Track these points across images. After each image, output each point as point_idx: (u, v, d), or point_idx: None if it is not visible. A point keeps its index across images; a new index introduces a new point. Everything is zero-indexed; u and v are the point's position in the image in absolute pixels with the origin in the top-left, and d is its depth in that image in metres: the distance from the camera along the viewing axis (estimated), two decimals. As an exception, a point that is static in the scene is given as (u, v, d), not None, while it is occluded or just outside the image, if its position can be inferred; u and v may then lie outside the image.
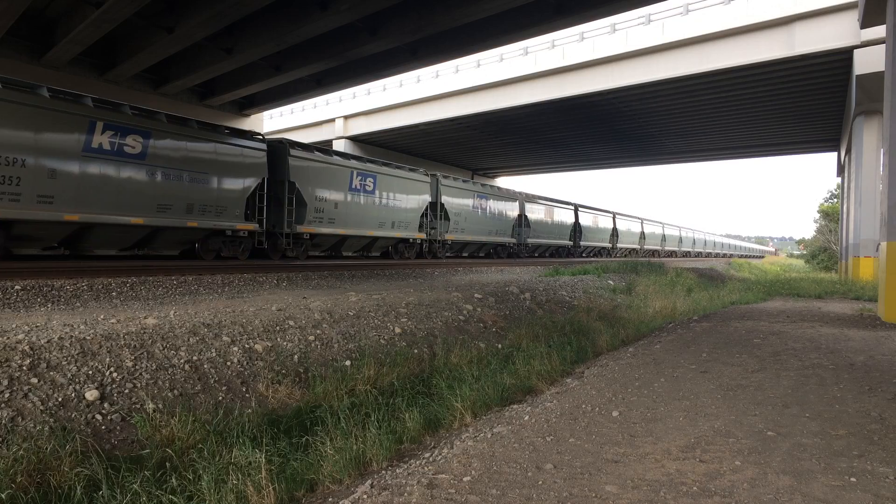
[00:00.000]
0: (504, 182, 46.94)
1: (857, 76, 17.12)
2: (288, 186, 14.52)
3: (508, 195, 25.92)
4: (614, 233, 37.29)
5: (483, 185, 24.67)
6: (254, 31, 16.16)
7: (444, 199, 20.86)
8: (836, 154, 33.84)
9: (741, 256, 76.36)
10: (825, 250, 45.32)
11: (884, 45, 11.59)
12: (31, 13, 15.18)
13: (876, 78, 15.27)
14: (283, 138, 15.36)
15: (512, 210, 25.66)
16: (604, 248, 35.78)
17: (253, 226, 13.78)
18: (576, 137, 33.58)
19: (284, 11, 15.01)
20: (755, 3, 19.50)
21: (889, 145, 9.11)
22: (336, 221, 15.96)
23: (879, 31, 14.82)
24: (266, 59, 18.07)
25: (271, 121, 35.24)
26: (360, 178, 16.93)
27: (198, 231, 12.82)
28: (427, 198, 19.91)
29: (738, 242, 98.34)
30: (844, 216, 26.65)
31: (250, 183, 13.76)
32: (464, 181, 23.37)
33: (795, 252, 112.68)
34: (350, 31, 16.03)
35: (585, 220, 33.12)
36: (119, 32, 16.37)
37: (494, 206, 24.29)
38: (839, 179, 34.55)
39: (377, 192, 17.60)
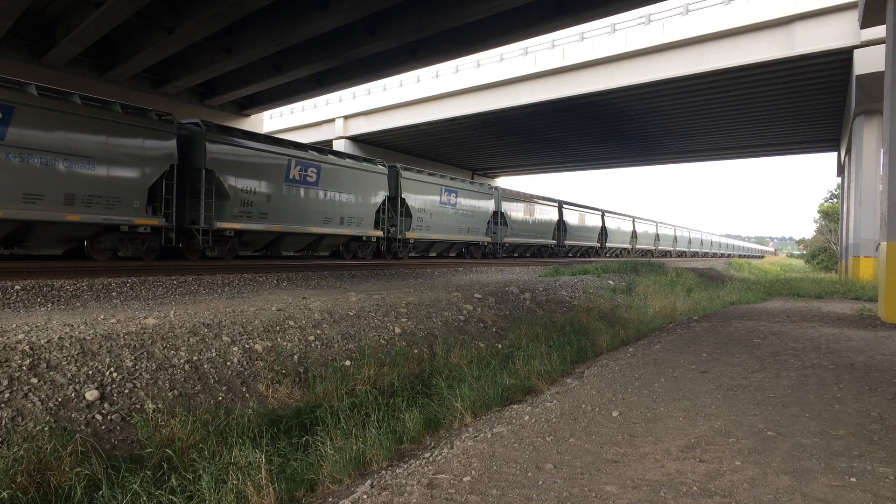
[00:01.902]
0: (504, 182, 46.94)
1: (857, 76, 17.12)
2: (205, 176, 12.64)
3: (482, 190, 24.31)
4: (603, 231, 35.81)
5: (453, 178, 22.72)
6: (254, 31, 16.16)
7: (406, 193, 19.05)
8: (836, 154, 33.84)
9: (741, 256, 76.39)
10: (825, 250, 45.32)
11: (884, 45, 11.60)
12: (31, 13, 15.18)
13: (876, 78, 15.27)
14: (202, 120, 13.41)
15: (486, 206, 24.02)
16: (591, 247, 34.38)
17: (157, 220, 11.86)
18: (576, 137, 33.58)
19: (284, 11, 15.00)
20: (755, 3, 19.50)
21: (889, 145, 9.11)
22: (269, 217, 14.17)
23: (879, 31, 14.82)
24: (266, 59, 18.07)
25: (271, 121, 35.24)
26: (299, 167, 14.98)
27: (82, 227, 10.93)
28: (384, 192, 18.09)
29: (737, 242, 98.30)
30: (844, 216, 26.65)
31: (153, 171, 11.78)
32: (430, 174, 21.34)
33: (795, 252, 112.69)
34: (350, 31, 16.02)
35: (571, 217, 31.61)
36: (119, 32, 16.37)
37: (466, 202, 22.48)
38: (839, 179, 34.55)
39: (321, 184, 15.69)
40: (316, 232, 15.64)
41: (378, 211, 17.91)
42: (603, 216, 36.10)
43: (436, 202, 20.62)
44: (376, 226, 17.92)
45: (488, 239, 24.07)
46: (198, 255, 13.25)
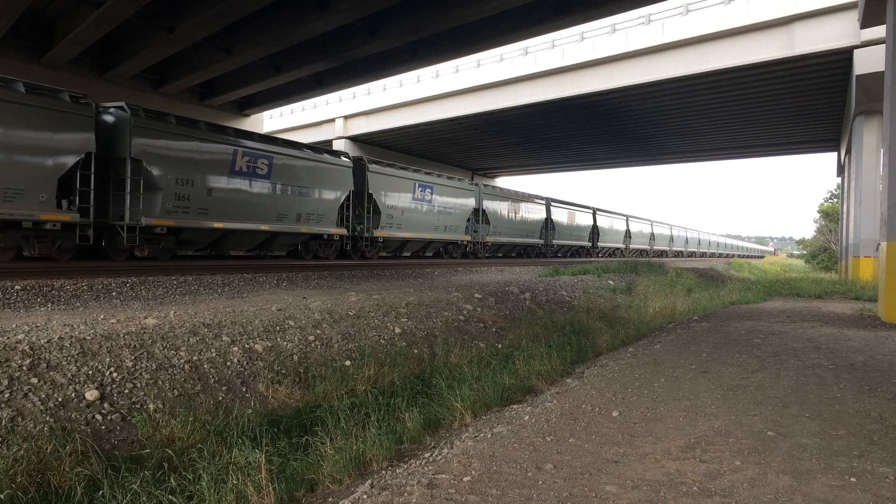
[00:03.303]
0: (505, 182, 46.90)
1: (857, 76, 17.13)
2: (131, 166, 11.37)
3: (462, 186, 23.02)
4: (594, 230, 34.85)
5: (428, 173, 21.44)
6: (253, 31, 16.16)
7: (374, 188, 17.76)
8: (836, 154, 33.85)
9: (741, 256, 76.37)
10: (825, 250, 45.33)
11: (884, 45, 11.59)
12: (31, 13, 15.18)
13: (876, 78, 15.27)
14: (128, 104, 11.80)
15: (466, 204, 22.78)
16: (582, 247, 33.38)
17: (68, 216, 10.52)
18: (576, 137, 33.58)
19: (284, 11, 15.01)
20: (755, 3, 19.51)
21: (889, 145, 9.11)
22: (211, 212, 12.92)
23: (879, 31, 14.82)
24: (266, 59, 18.07)
25: (271, 121, 35.25)
26: (247, 158, 13.75)
27: None
28: (348, 187, 16.78)
29: (737, 242, 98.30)
30: (844, 216, 26.65)
31: (65, 160, 10.54)
32: (402, 168, 20.05)
33: (795, 252, 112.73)
34: (350, 31, 16.03)
35: (559, 216, 30.60)
36: (119, 32, 16.37)
37: (443, 199, 21.22)
38: (839, 179, 34.55)
39: (274, 177, 14.49)
40: (268, 230, 14.36)
41: (342, 207, 16.69)
42: (594, 214, 35.12)
43: (408, 198, 19.40)
44: (340, 223, 16.67)
45: (468, 238, 22.97)
46: (124, 255, 12.05)
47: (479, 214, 23.79)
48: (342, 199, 16.63)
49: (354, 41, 16.36)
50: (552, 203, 29.87)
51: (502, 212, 25.47)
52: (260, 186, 14.23)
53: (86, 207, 10.76)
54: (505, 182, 47.12)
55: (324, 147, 17.47)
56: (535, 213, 28.37)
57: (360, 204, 17.44)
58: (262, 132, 23.16)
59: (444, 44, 17.05)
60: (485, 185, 24.84)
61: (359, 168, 17.49)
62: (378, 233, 18.01)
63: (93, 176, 10.84)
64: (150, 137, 11.87)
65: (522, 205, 27.13)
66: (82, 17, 14.56)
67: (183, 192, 12.39)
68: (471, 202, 23.12)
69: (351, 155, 17.89)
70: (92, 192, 10.85)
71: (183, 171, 12.44)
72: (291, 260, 15.49)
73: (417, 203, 19.85)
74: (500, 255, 26.58)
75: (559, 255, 31.05)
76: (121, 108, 11.70)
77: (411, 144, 36.09)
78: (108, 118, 11.66)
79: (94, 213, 10.96)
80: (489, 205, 24.35)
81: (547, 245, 29.41)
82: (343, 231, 16.69)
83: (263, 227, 14.26)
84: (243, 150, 13.77)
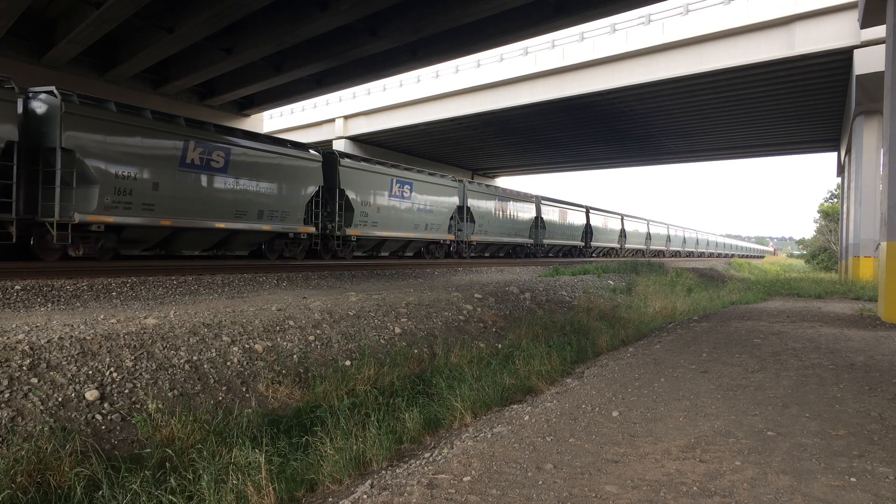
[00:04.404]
0: (505, 182, 46.88)
1: (857, 76, 17.13)
2: (61, 157, 10.40)
3: (445, 183, 21.74)
4: (587, 230, 34.01)
5: (408, 168, 20.41)
6: (253, 31, 16.17)
7: (346, 185, 16.72)
8: (836, 154, 33.86)
9: (741, 256, 76.31)
10: (825, 250, 45.35)
11: (884, 45, 11.60)
12: (31, 13, 15.19)
13: (876, 78, 15.28)
14: (59, 88, 10.86)
15: (449, 201, 21.65)
16: (574, 246, 32.64)
17: None
18: (576, 137, 33.59)
19: (284, 12, 15.02)
20: (755, 3, 19.52)
21: (889, 145, 9.11)
22: (157, 208, 11.93)
23: (879, 31, 14.83)
24: (266, 59, 18.08)
25: (271, 121, 35.27)
26: (200, 150, 12.73)
27: None
28: (318, 182, 15.80)
29: (737, 242, 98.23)
30: (844, 216, 26.66)
31: None
32: (378, 163, 19.05)
33: (795, 252, 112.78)
34: (350, 31, 16.03)
35: (550, 214, 29.63)
36: (119, 32, 16.38)
37: (424, 196, 20.16)
38: (839, 179, 34.56)
39: (231, 171, 13.45)
40: (224, 228, 13.38)
41: (310, 204, 15.71)
42: (588, 213, 34.30)
43: (385, 195, 18.40)
44: (308, 221, 15.67)
45: (451, 237, 21.90)
46: (56, 254, 11.06)
47: (463, 212, 22.76)
48: (310, 196, 15.64)
49: (354, 41, 16.37)
50: (542, 201, 29.10)
51: (489, 210, 24.49)
52: (215, 181, 13.18)
53: (8, 202, 9.84)
54: (505, 182, 47.10)
55: (290, 141, 16.55)
56: (525, 211, 27.48)
57: (332, 201, 16.50)
58: (263, 132, 23.15)
59: (444, 44, 17.06)
60: (469, 182, 23.76)
61: (330, 162, 16.50)
62: (351, 231, 16.95)
63: (15, 167, 9.85)
64: (85, 126, 10.84)
65: (510, 203, 26.21)
66: (82, 17, 14.57)
67: (124, 186, 11.35)
68: (454, 200, 22.09)
69: (322, 149, 16.97)
70: (14, 186, 9.89)
71: (124, 164, 11.37)
72: (254, 260, 14.40)
73: (395, 200, 18.88)
74: (486, 254, 25.70)
75: (550, 254, 30.36)
76: (51, 93, 10.73)
77: (411, 144, 36.10)
78: (37, 104, 10.72)
79: (23, 209, 10.07)
80: (474, 203, 23.42)
81: (537, 245, 28.55)
82: (311, 229, 15.68)
83: (219, 225, 13.25)
84: (196, 141, 12.72)
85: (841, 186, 32.21)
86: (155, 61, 17.94)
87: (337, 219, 16.52)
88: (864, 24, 12.21)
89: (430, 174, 21.52)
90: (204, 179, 12.99)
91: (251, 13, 14.65)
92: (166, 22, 15.33)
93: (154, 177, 11.95)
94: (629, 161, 41.89)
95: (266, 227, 14.39)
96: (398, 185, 19.05)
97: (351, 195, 16.89)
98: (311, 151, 16.13)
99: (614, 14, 16.37)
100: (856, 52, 17.38)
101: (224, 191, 13.39)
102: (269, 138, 15.60)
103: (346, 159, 17.28)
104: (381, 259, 19.35)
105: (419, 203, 20.08)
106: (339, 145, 33.04)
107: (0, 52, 16.05)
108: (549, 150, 37.99)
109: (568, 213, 31.91)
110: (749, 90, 22.99)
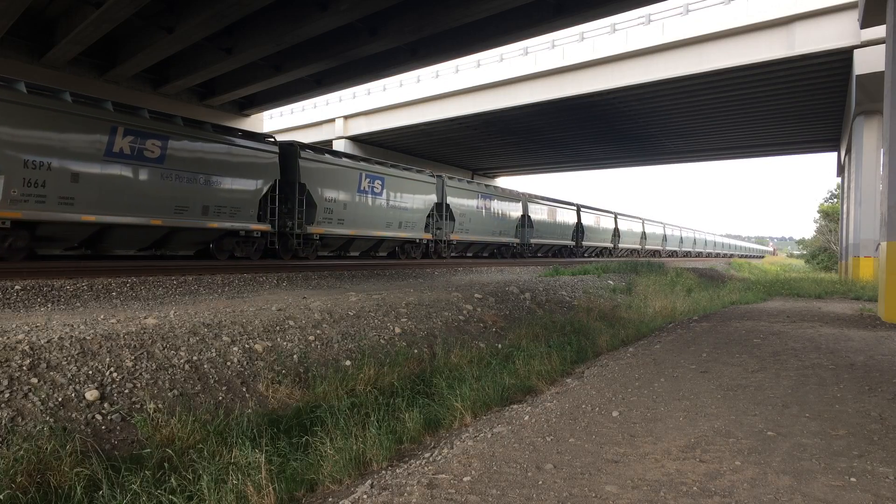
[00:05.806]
0: (505, 182, 46.81)
1: (857, 76, 17.13)
2: None
3: (421, 179, 20.65)
4: (578, 229, 33.02)
5: (380, 163, 19.36)
6: (253, 31, 16.16)
7: (308, 179, 15.65)
8: (836, 154, 33.86)
9: (741, 256, 76.24)
10: (825, 250, 45.34)
11: (884, 45, 11.60)
12: (31, 13, 15.18)
13: (876, 78, 15.28)
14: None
15: (426, 199, 20.68)
16: (564, 246, 31.62)
17: None
18: (576, 137, 33.58)
19: (284, 12, 15.00)
20: (755, 3, 19.52)
21: (889, 145, 9.12)
22: (78, 203, 10.88)
23: (879, 31, 14.82)
24: (266, 59, 18.06)
25: (271, 121, 35.26)
26: (130, 139, 11.64)
27: None
28: (274, 175, 14.85)
29: (736, 242, 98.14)
30: (844, 216, 26.66)
31: None
32: (345, 156, 17.77)
33: (795, 252, 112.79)
34: (350, 31, 16.02)
35: (538, 213, 28.62)
36: (119, 32, 16.36)
37: (397, 192, 19.05)
38: (839, 179, 34.57)
39: (169, 163, 12.43)
40: (161, 225, 12.42)
41: (265, 199, 14.90)
42: (579, 211, 33.36)
43: (352, 191, 17.36)
44: (263, 218, 14.85)
45: (429, 236, 20.94)
46: None
47: (442, 210, 21.71)
48: (265, 190, 14.56)
49: (354, 41, 16.36)
50: (530, 199, 28.21)
51: (470, 208, 23.33)
52: (149, 173, 12.05)
53: None
54: (505, 182, 46.99)
55: (242, 129, 15.55)
56: (511, 209, 26.47)
57: (292, 196, 15.36)
58: (263, 131, 23.12)
59: (444, 44, 17.05)
60: (449, 178, 22.64)
61: (288, 154, 15.37)
62: (313, 229, 15.75)
63: None
64: None
65: (495, 200, 25.25)
66: (82, 17, 14.55)
67: (35, 177, 10.24)
68: (432, 197, 20.97)
69: (278, 140, 15.85)
70: None
71: (35, 152, 10.32)
72: (199, 261, 13.22)
73: (364, 196, 17.61)
74: (468, 254, 24.80)
75: (539, 254, 29.59)
76: None
77: (411, 144, 36.10)
78: None
79: None
80: (455, 200, 22.35)
81: (524, 244, 27.43)
82: (266, 227, 14.59)
83: (154, 222, 12.13)
84: (125, 128, 11.58)
85: (841, 186, 32.22)
86: (155, 61, 17.92)
87: (297, 216, 15.42)
88: (864, 24, 12.22)
89: (404, 168, 20.58)
90: (136, 171, 11.85)
91: (251, 13, 14.63)
92: (166, 22, 15.32)
93: (73, 167, 10.81)
94: (629, 161, 41.87)
95: (212, 224, 13.32)
96: (368, 179, 17.88)
97: (313, 190, 15.79)
98: (267, 142, 15.16)
99: (614, 14, 16.37)
100: (856, 52, 17.38)
101: (160, 184, 12.28)
102: (217, 127, 14.47)
103: (308, 151, 16.16)
104: (350, 259, 18.13)
105: (392, 199, 18.93)
106: (339, 145, 33.02)
107: (0, 52, 16.04)
108: (549, 150, 37.99)
109: (558, 211, 30.90)
110: (749, 90, 22.99)
